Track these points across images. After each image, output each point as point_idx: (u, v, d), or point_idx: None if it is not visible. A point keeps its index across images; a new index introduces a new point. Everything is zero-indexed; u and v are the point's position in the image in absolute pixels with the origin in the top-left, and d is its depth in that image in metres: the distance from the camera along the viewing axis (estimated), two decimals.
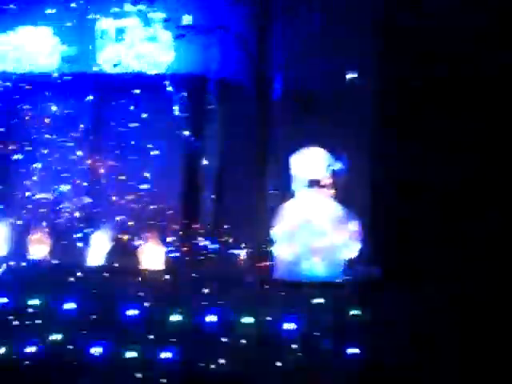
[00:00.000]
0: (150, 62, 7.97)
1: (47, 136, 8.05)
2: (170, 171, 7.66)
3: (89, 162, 7.80)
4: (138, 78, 7.90)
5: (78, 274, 6.64)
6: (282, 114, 6.91)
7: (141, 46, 8.02)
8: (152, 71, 7.91)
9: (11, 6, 8.09)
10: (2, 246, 7.05)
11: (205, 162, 7.43)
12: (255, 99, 7.07)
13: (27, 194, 7.85)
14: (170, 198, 7.49)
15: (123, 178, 7.59)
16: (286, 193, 6.54)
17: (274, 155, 6.83)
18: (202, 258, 6.90)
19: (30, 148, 8.05)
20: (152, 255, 6.67)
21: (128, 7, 8.09)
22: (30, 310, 6.47)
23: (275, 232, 6.51)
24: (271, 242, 6.55)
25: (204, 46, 7.67)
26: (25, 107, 8.17)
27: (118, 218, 7.21)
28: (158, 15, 8.03)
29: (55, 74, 8.06)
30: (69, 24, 8.09)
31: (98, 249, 6.84)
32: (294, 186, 6.46)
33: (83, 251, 6.97)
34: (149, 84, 7.83)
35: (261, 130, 6.97)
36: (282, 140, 6.83)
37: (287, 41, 7.03)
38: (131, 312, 6.37)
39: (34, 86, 8.13)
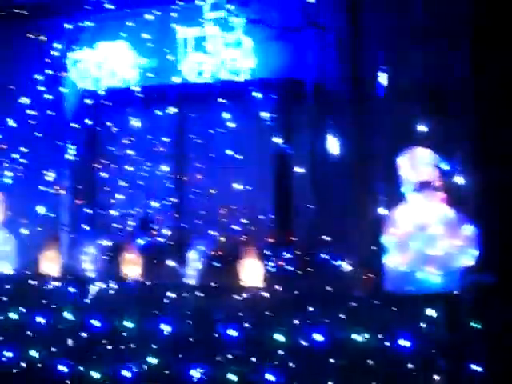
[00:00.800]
0: (234, 69, 7.63)
1: (132, 152, 7.80)
2: (263, 182, 7.27)
3: (177, 176, 7.50)
4: (224, 86, 7.56)
5: (172, 294, 6.28)
6: (383, 115, 6.41)
7: (223, 53, 7.70)
8: (237, 78, 7.57)
9: (89, 23, 7.93)
10: (92, 267, 6.76)
11: (299, 170, 6.98)
12: (351, 101, 6.60)
13: (114, 212, 7.60)
14: (264, 210, 7.09)
15: (213, 191, 7.24)
16: (394, 197, 6.01)
17: (377, 158, 6.33)
18: (304, 271, 6.44)
19: (116, 165, 7.83)
20: (249, 271, 6.22)
21: (208, 15, 7.81)
22: (124, 334, 6.15)
23: (385, 240, 5.98)
24: (380, 252, 6.02)
25: (291, 47, 7.28)
26: (108, 123, 7.96)
27: (211, 234, 6.83)
28: (240, 20, 7.71)
29: (137, 88, 7.82)
30: (147, 36, 7.86)
31: (191, 267, 6.46)
32: (402, 190, 5.91)
33: (176, 270, 6.60)
34: (235, 91, 7.46)
35: (360, 132, 6.49)
36: (385, 141, 6.33)
37: (385, 36, 6.53)
38: (230, 332, 5.95)
39: (116, 101, 7.91)
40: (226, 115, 7.44)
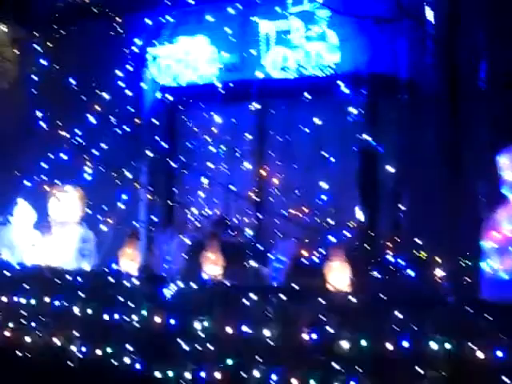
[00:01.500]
0: (319, 64, 7.34)
1: (212, 149, 7.62)
2: (348, 181, 6.96)
3: (259, 174, 7.26)
4: (308, 81, 7.29)
5: (254, 296, 6.03)
6: (482, 112, 6.00)
7: (307, 47, 7.42)
8: (321, 73, 7.28)
9: (169, 18, 7.77)
10: (171, 265, 6.58)
11: (389, 168, 6.63)
12: (446, 97, 6.21)
13: (195, 210, 7.42)
14: (350, 211, 6.78)
15: (296, 191, 6.96)
16: (494, 198, 5.60)
17: (475, 156, 5.93)
18: (393, 276, 6.09)
19: (195, 163, 7.66)
20: (335, 274, 5.91)
21: (291, 7, 7.56)
22: (202, 334, 5.94)
23: (484, 245, 5.57)
24: (478, 257, 5.63)
25: (379, 40, 6.93)
26: (188, 120, 7.80)
27: (294, 235, 6.55)
28: (324, 13, 7.41)
29: (218, 84, 7.63)
30: (228, 31, 7.67)
31: (274, 268, 6.20)
32: (503, 190, 5.50)
33: (258, 271, 6.35)
34: (320, 87, 7.17)
35: (456, 130, 6.10)
36: (484, 139, 5.92)
37: (485, 30, 6.11)
38: (312, 337, 5.65)
39: (196, 97, 7.74)
40: (309, 111, 7.19)
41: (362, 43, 7.16)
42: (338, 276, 5.84)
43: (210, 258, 6.11)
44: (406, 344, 5.47)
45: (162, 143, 7.70)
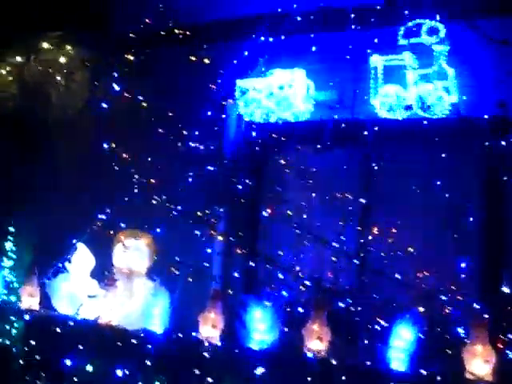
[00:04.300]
0: (434, 104, 6.28)
1: (305, 196, 6.55)
2: (467, 240, 5.82)
3: (359, 227, 6.11)
4: (420, 124, 6.22)
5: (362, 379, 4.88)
6: None
7: (421, 86, 6.37)
8: (435, 115, 6.23)
9: (262, 47, 6.81)
10: (265, 336, 5.39)
11: None
12: None
13: (281, 266, 6.29)
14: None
15: (410, 248, 5.80)
16: None
17: None
18: None
19: (284, 211, 6.56)
20: (476, 358, 4.68)
21: (403, 41, 6.54)
22: None
23: None
24: None
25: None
26: (278, 161, 6.75)
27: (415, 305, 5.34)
28: (441, 48, 6.39)
29: (314, 123, 6.60)
30: (329, 64, 6.67)
31: (398, 350, 4.93)
32: None
33: (370, 349, 5.14)
34: (433, 130, 6.11)
35: None
36: None
37: None
38: None
39: (288, 137, 6.69)
40: (420, 157, 6.14)
41: (483, 82, 6.14)
42: (478, 360, 4.63)
43: (313, 330, 4.96)
44: None
45: (246, 186, 6.66)
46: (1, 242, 7.67)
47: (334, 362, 4.88)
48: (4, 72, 8.15)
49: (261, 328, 5.13)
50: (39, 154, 7.81)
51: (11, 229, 7.70)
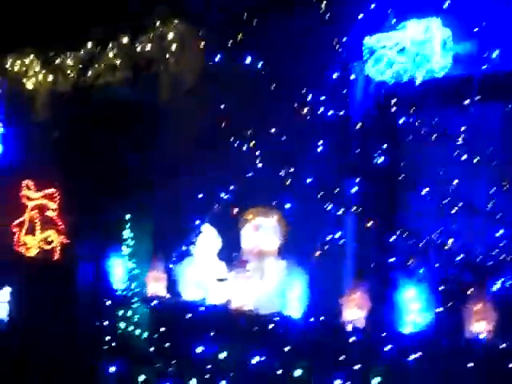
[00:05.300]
0: None
1: (445, 160, 5.87)
2: None
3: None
4: None
5: None
6: None
7: None
8: None
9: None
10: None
11: None
12: None
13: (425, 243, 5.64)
14: None
15: None
16: None
17: None
18: None
19: (424, 178, 5.91)
20: None
21: None
22: None
23: None
24: None
25: None
26: (415, 125, 6.07)
27: None
28: None
29: (452, 78, 5.87)
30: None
31: None
32: None
33: None
34: None
35: None
36: None
37: None
38: None
39: (426, 96, 5.99)
40: None
41: None
42: None
43: (478, 312, 4.30)
44: None
45: (380, 154, 6.04)
46: (119, 231, 7.47)
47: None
48: (111, 55, 7.85)
49: (414, 308, 4.52)
50: (152, 139, 7.50)
51: (128, 216, 7.47)
